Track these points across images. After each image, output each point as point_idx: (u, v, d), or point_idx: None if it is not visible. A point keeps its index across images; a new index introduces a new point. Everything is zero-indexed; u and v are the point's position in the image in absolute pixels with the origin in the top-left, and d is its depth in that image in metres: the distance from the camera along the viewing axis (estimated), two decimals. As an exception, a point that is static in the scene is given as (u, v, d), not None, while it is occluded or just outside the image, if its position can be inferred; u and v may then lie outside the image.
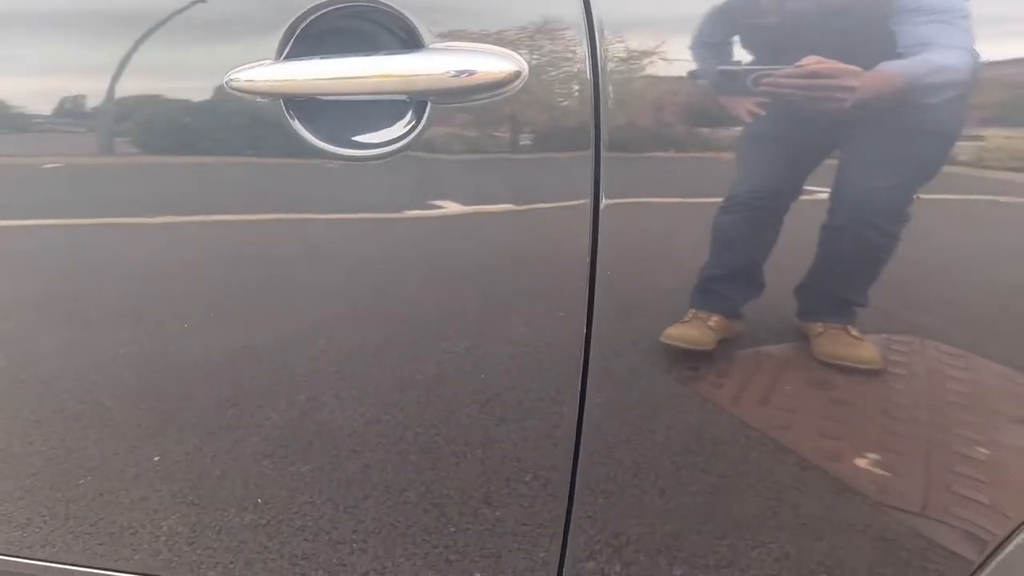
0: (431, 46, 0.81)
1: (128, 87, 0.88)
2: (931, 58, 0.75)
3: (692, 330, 0.86)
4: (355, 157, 0.85)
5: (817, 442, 0.93)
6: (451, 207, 0.86)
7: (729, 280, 0.85)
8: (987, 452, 0.89)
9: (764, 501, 0.99)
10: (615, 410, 0.98)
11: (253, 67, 0.82)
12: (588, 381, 0.97)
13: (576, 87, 0.81)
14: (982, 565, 0.94)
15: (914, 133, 0.79)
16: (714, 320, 0.86)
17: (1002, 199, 0.81)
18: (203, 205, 0.99)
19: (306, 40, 0.84)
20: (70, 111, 0.92)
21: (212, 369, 1.15)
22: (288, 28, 0.82)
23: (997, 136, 0.79)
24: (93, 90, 0.91)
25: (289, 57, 0.83)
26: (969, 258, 0.83)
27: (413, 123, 0.83)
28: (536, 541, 1.12)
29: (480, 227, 0.89)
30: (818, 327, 0.88)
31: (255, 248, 1.01)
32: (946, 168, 0.79)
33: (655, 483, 1.02)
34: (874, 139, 0.80)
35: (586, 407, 0.98)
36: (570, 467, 1.02)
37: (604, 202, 0.82)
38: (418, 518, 1.14)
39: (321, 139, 0.85)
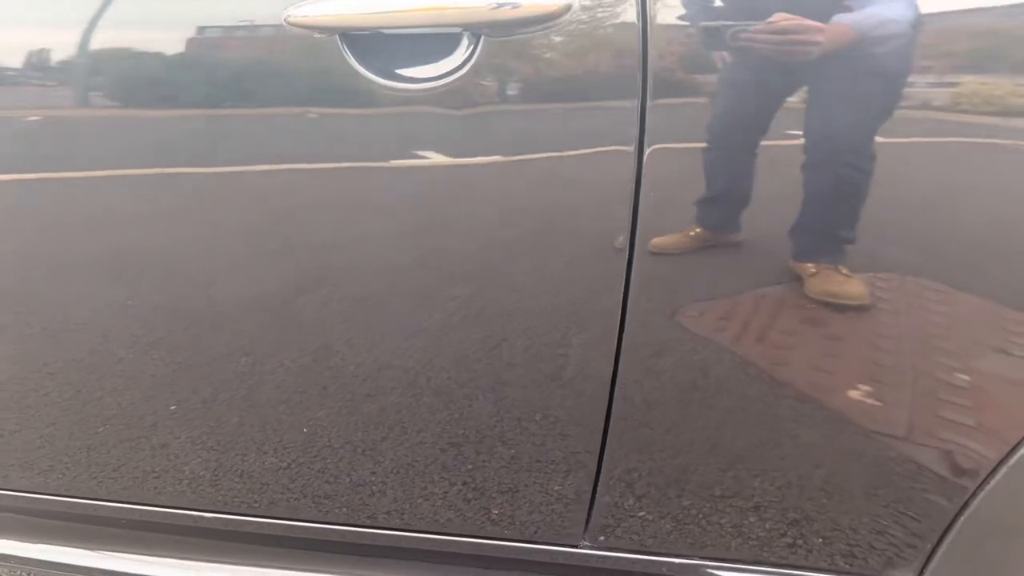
0: None
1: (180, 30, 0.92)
2: (876, 11, 0.83)
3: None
4: (408, 91, 0.86)
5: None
6: (500, 139, 0.90)
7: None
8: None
9: (766, 433, 1.03)
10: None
11: (312, 3, 0.84)
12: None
13: (623, 18, 0.84)
14: (976, 491, 1.00)
15: (868, 76, 0.85)
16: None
17: (954, 140, 0.87)
18: (231, 151, 1.01)
19: None
20: (131, 56, 0.96)
21: (222, 319, 1.16)
22: None
23: (940, 81, 0.85)
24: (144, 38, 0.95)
25: None
26: (938, 195, 0.89)
27: (466, 56, 0.85)
28: (551, 476, 1.15)
29: (525, 160, 0.91)
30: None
31: (276, 194, 1.03)
32: (898, 110, 0.85)
33: (662, 420, 1.06)
34: (836, 82, 0.85)
35: (620, 356, 1.01)
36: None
37: (648, 135, 0.85)
38: (435, 457, 1.17)
39: (375, 73, 0.86)
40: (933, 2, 0.83)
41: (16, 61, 1.04)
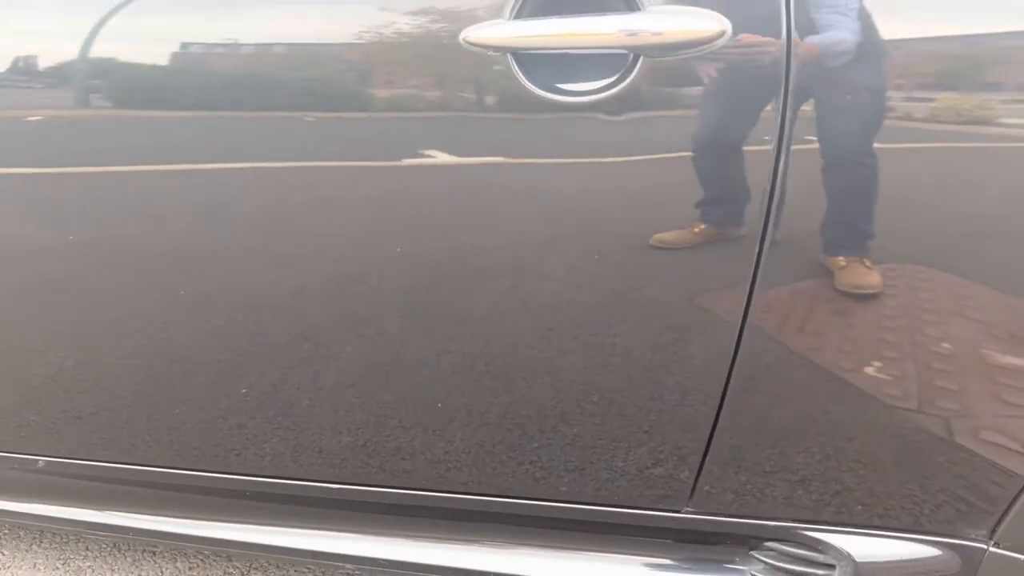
0: (648, 8, 0.92)
1: (369, 46, 1.01)
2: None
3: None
4: (569, 103, 0.95)
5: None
6: (652, 146, 0.99)
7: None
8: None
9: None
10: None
11: (488, 25, 0.93)
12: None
13: (771, 45, 0.92)
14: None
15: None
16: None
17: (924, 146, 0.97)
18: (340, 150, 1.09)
19: (532, 2, 0.95)
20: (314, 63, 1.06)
21: (280, 307, 1.19)
22: None
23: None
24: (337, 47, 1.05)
25: (518, 17, 0.94)
26: (925, 192, 0.99)
27: (626, 74, 0.93)
28: (614, 453, 1.19)
29: (668, 166, 0.99)
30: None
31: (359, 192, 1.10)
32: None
33: (774, 397, 1.12)
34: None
35: (743, 336, 1.07)
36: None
37: (787, 147, 0.94)
38: (502, 437, 1.21)
39: (539, 87, 0.95)
40: None
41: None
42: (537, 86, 0.95)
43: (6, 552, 1.67)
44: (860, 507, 1.16)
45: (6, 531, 1.73)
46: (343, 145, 1.08)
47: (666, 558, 1.27)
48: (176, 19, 1.09)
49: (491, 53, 0.95)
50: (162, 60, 1.10)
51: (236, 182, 1.13)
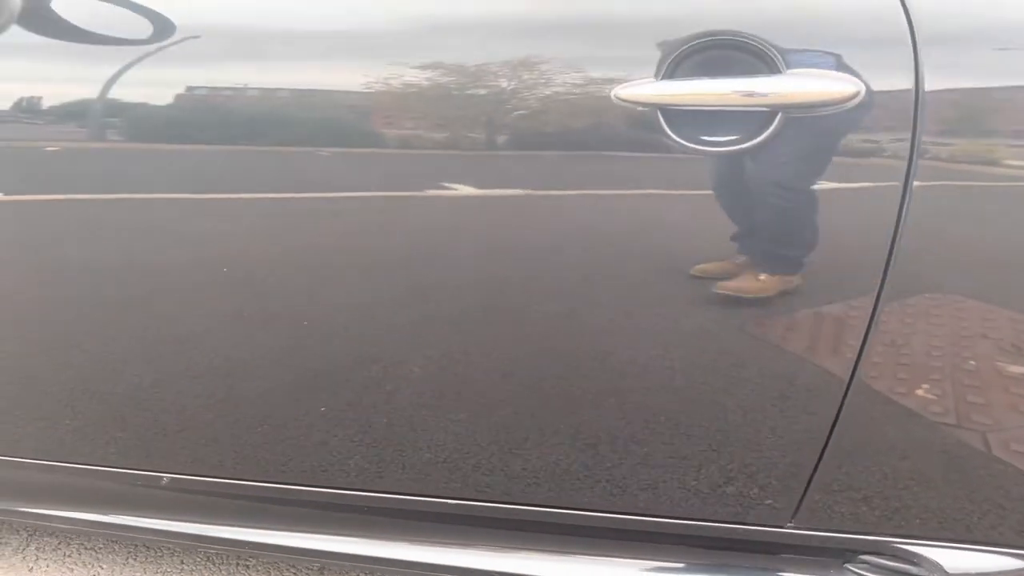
0: (789, 71, 1.00)
1: (525, 92, 1.08)
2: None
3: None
4: (707, 152, 1.03)
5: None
6: (784, 191, 1.07)
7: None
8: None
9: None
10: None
11: (638, 84, 1.02)
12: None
13: (900, 104, 1.00)
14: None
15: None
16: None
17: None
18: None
19: (680, 63, 1.02)
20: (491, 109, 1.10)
21: (347, 328, 1.22)
22: (672, 55, 1.01)
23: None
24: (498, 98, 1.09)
25: (666, 77, 1.02)
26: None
27: (764, 128, 1.01)
28: (686, 471, 1.22)
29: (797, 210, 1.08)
30: None
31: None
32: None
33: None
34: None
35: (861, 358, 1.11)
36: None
37: (911, 200, 1.01)
38: (576, 456, 1.23)
39: (684, 139, 1.02)
40: None
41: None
42: (678, 137, 1.02)
43: (104, 566, 1.73)
44: (952, 521, 1.18)
45: (101, 544, 1.79)
46: (440, 176, 1.14)
47: (764, 570, 1.29)
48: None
49: (640, 108, 1.03)
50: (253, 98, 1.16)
51: (306, 208, 1.18)
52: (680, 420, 1.18)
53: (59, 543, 1.77)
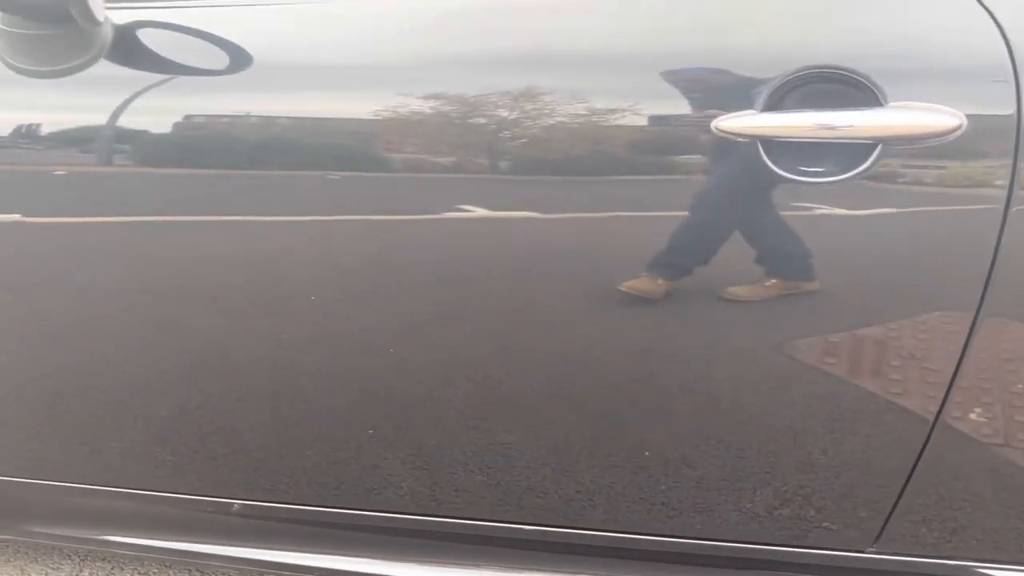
0: (890, 104, 1.01)
1: (632, 120, 1.09)
2: None
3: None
4: (807, 183, 1.04)
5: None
6: (885, 222, 1.07)
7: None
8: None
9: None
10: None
11: (740, 116, 1.03)
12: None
13: (1001, 135, 1.01)
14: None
15: None
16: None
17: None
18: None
19: (782, 96, 1.03)
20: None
21: (387, 350, 1.21)
22: (772, 88, 1.02)
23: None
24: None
25: (767, 108, 1.02)
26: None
27: (864, 159, 1.02)
28: (741, 494, 1.21)
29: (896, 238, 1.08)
30: None
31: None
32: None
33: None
34: None
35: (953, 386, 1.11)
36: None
37: (1009, 228, 1.02)
38: (629, 479, 1.23)
39: (783, 170, 1.03)
40: None
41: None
42: (777, 168, 1.03)
43: None
44: None
45: (155, 569, 1.77)
46: (490, 199, 1.14)
47: None
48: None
49: (740, 140, 1.03)
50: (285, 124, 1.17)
51: (349, 231, 1.18)
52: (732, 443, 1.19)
53: (112, 567, 1.76)
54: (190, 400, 1.30)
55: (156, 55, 1.16)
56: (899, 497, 1.17)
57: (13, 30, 1.11)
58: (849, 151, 1.02)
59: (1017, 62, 0.99)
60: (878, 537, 1.20)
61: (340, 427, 1.27)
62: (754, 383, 1.13)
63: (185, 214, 1.21)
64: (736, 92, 1.04)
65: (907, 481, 1.16)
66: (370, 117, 1.12)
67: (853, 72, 1.01)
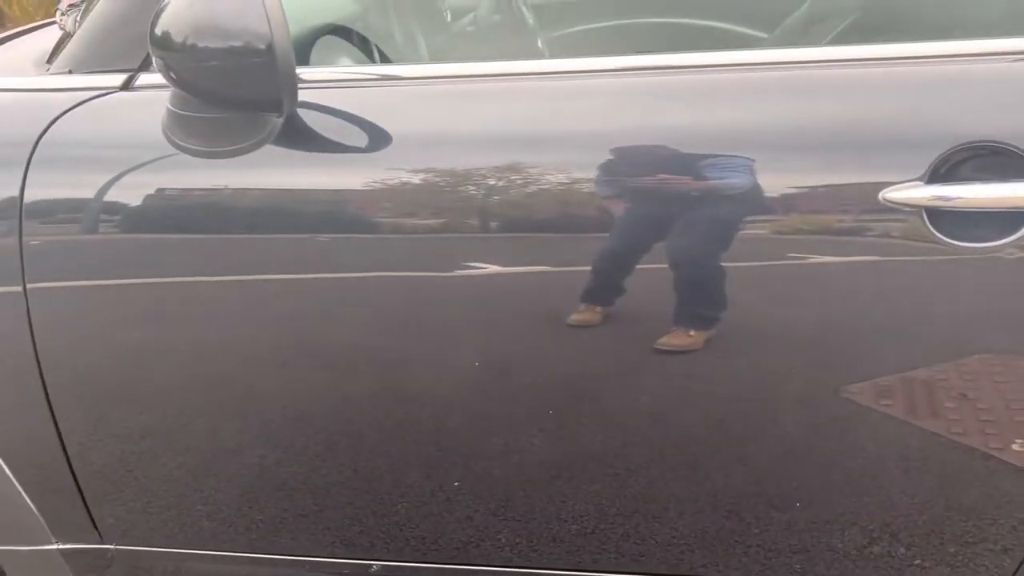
0: None
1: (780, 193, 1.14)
2: None
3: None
4: (968, 247, 1.08)
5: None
6: None
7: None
8: None
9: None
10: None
11: (907, 188, 1.07)
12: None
13: None
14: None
15: None
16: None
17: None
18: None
19: (944, 168, 1.08)
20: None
21: (458, 401, 1.25)
22: (935, 160, 1.07)
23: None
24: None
25: (932, 180, 1.07)
26: None
27: (1019, 228, 1.06)
28: (832, 534, 1.24)
29: None
30: None
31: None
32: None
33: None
34: None
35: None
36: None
37: None
38: (722, 524, 1.25)
39: (944, 236, 1.08)
40: None
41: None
42: (941, 234, 1.08)
43: None
44: None
45: None
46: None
47: None
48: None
49: (907, 209, 1.08)
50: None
51: (415, 283, 1.21)
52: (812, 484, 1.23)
53: None
54: (267, 458, 1.32)
55: (318, 135, 1.20)
56: None
57: (186, 113, 1.15)
58: (1008, 220, 1.07)
59: None
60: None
61: (425, 480, 1.27)
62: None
63: (289, 272, 1.24)
64: (903, 164, 1.10)
65: None
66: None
67: (1011, 145, 1.06)
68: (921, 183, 1.07)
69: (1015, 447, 1.15)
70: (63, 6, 1.60)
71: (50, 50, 1.46)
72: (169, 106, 1.15)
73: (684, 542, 1.26)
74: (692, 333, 1.16)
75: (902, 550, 1.23)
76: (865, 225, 1.11)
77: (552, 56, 1.94)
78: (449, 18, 1.99)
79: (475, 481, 1.28)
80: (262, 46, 1.03)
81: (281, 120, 1.14)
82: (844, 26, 1.52)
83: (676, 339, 1.15)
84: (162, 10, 1.06)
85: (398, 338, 1.23)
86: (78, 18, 1.43)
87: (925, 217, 1.08)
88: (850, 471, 1.21)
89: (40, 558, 1.39)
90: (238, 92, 1.09)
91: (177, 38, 1.05)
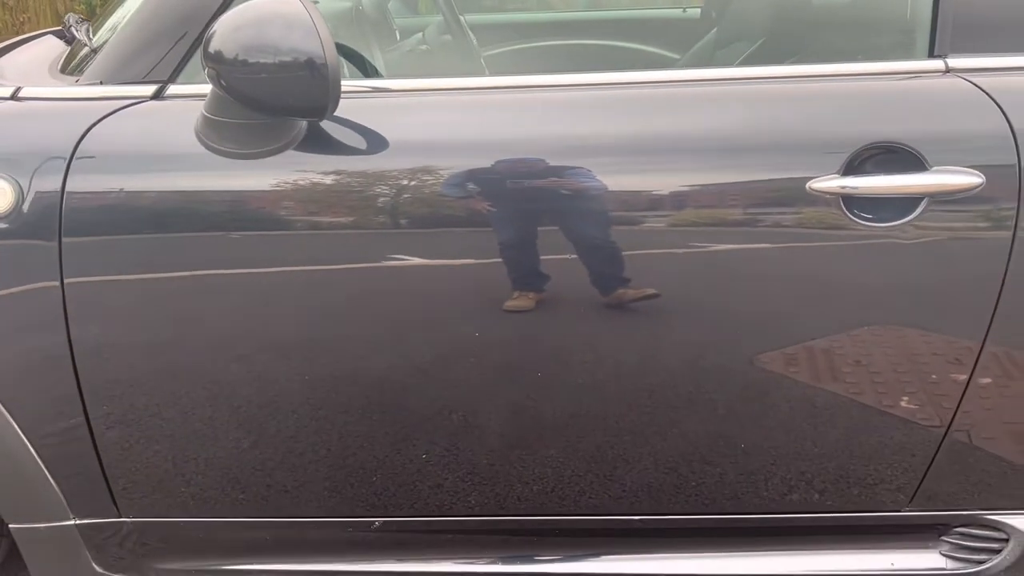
0: (933, 168, 1.30)
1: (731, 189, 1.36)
2: None
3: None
4: (874, 227, 1.32)
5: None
6: (932, 258, 1.35)
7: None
8: None
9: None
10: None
11: (828, 179, 1.31)
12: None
13: (1009, 189, 1.31)
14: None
15: None
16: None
17: None
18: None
19: (855, 163, 1.32)
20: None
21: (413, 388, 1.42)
22: (848, 157, 1.31)
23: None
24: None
25: (846, 173, 1.31)
26: None
27: (913, 210, 1.31)
28: (757, 483, 1.48)
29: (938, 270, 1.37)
30: None
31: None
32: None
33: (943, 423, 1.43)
34: None
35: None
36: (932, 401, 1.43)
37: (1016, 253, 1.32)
38: (663, 479, 1.47)
39: (855, 217, 1.32)
40: None
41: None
42: (853, 216, 1.32)
43: None
44: None
45: None
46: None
47: (877, 548, 1.53)
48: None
49: (827, 196, 1.32)
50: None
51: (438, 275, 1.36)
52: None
53: None
54: (272, 434, 1.44)
55: (336, 141, 1.34)
56: (930, 464, 1.43)
57: (220, 119, 1.28)
58: (904, 204, 1.32)
59: (1018, 138, 1.29)
60: (912, 498, 1.46)
61: (395, 454, 1.45)
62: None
63: (308, 264, 1.37)
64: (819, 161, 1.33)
65: (936, 451, 1.42)
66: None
67: (905, 145, 1.30)
68: (838, 175, 1.30)
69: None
70: (70, 20, 1.68)
71: (60, 58, 1.56)
72: (204, 112, 1.28)
73: (632, 495, 1.48)
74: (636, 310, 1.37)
75: (816, 495, 1.47)
76: (796, 210, 1.33)
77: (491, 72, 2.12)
78: (398, 37, 2.16)
79: (441, 453, 1.45)
80: (311, 60, 1.18)
81: (305, 125, 1.29)
82: (751, 51, 1.76)
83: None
84: (213, 32, 1.19)
85: (357, 327, 1.39)
86: (90, 30, 1.53)
87: (842, 203, 1.31)
88: (768, 429, 1.43)
89: (57, 534, 1.48)
90: (284, 100, 1.22)
91: (228, 55, 1.18)
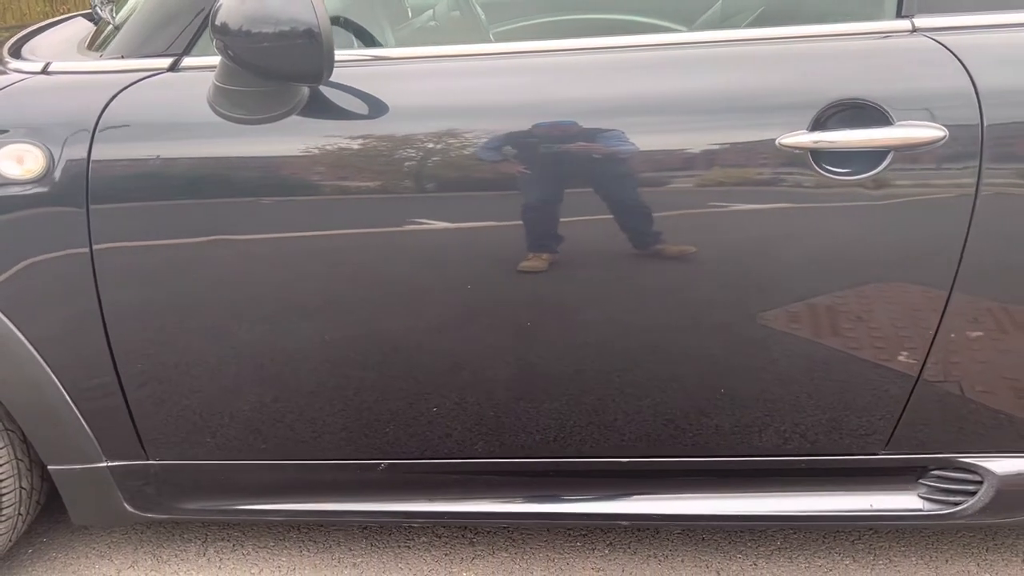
0: (897, 123, 1.36)
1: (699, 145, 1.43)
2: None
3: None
4: (842, 180, 1.39)
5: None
6: (895, 206, 1.41)
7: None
8: None
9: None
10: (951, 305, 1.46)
11: (796, 135, 1.38)
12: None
13: (971, 142, 1.37)
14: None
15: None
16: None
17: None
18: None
19: (823, 119, 1.39)
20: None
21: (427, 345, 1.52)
22: (815, 114, 1.37)
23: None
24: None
25: (813, 129, 1.37)
26: None
27: (881, 161, 1.38)
28: (751, 435, 1.54)
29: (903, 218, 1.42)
30: None
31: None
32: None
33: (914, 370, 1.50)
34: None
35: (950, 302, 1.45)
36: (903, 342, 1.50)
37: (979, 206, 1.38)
38: (662, 430, 1.57)
39: (824, 171, 1.38)
40: None
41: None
42: (822, 170, 1.38)
43: (283, 559, 1.87)
44: (1003, 436, 1.54)
45: (272, 542, 1.92)
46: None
47: (856, 492, 1.61)
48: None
49: (796, 151, 1.38)
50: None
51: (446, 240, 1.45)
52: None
53: (234, 545, 1.92)
54: (291, 384, 1.55)
55: (337, 107, 1.43)
56: (903, 409, 1.51)
57: (231, 88, 1.38)
58: (872, 157, 1.38)
59: (980, 94, 1.35)
60: (887, 442, 1.53)
61: (407, 408, 1.56)
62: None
63: (322, 229, 1.46)
64: (787, 118, 1.39)
65: (910, 396, 1.50)
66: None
67: (871, 102, 1.36)
68: (806, 131, 1.37)
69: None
70: (97, 1, 1.81)
71: (88, 36, 1.67)
72: (215, 81, 1.38)
73: (632, 445, 1.57)
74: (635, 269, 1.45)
75: (808, 446, 1.55)
76: (767, 166, 1.39)
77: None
78: (410, 15, 2.25)
79: (451, 407, 1.56)
80: (308, 29, 1.26)
81: (307, 93, 1.39)
82: (752, 19, 1.81)
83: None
84: (220, 6, 1.28)
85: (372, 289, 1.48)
86: (113, 10, 1.65)
87: (811, 157, 1.38)
88: (765, 382, 1.50)
89: (91, 475, 1.61)
90: (285, 66, 1.31)
91: (233, 27, 1.28)
